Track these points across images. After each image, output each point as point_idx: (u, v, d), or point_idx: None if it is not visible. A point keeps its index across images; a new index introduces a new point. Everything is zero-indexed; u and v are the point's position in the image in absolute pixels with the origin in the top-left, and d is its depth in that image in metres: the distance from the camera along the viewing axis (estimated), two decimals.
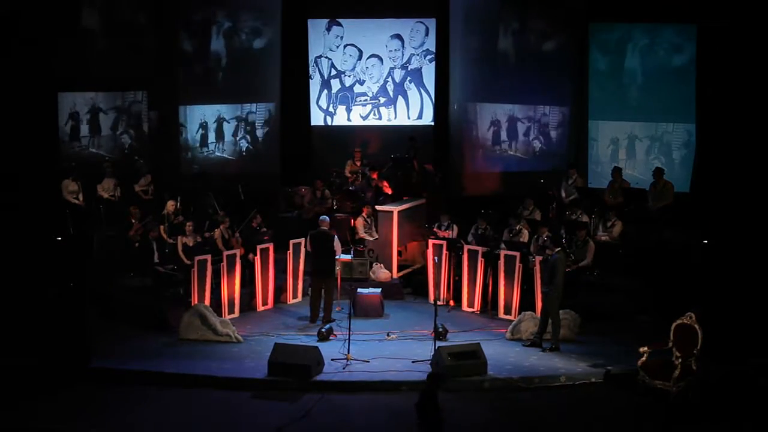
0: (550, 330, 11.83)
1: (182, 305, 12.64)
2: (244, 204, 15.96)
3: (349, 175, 17.24)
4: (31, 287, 11.23)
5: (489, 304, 13.55)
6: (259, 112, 18.69)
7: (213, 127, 18.32)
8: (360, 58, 18.99)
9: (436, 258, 13.68)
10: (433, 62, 18.87)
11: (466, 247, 13.88)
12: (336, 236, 13.19)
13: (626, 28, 17.64)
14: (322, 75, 19.12)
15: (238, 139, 18.56)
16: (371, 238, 14.99)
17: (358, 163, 17.29)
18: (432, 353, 10.98)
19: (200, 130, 18.18)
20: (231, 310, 13.14)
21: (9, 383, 10.37)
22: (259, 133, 18.74)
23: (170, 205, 15.00)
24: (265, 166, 18.51)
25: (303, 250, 13.92)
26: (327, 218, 13.40)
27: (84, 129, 16.99)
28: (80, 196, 15.29)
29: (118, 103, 17.36)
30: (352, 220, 15.45)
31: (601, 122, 18.05)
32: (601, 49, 17.88)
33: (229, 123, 18.46)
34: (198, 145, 18.21)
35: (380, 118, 19.17)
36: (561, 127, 18.28)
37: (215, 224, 14.40)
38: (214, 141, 18.35)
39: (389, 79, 19.03)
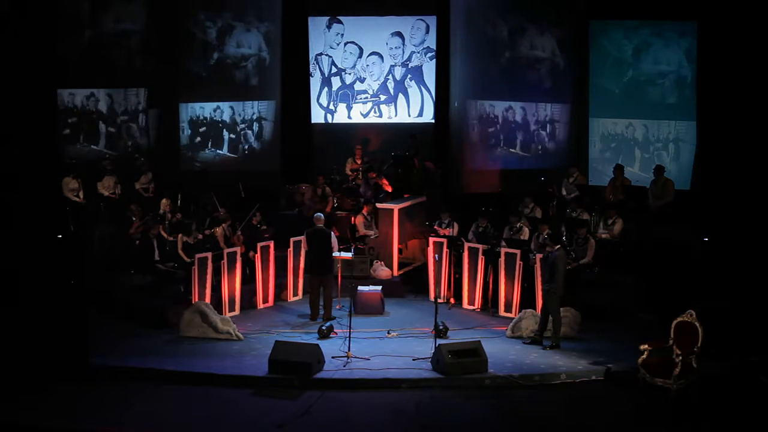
0: (550, 327, 11.83)
1: (183, 303, 12.65)
2: (244, 202, 15.97)
3: (349, 172, 17.26)
4: (31, 284, 11.20)
5: (489, 302, 13.55)
6: (259, 109, 18.68)
7: (213, 124, 18.32)
8: (360, 55, 18.97)
9: (436, 256, 13.67)
10: (434, 60, 18.85)
11: (466, 245, 13.88)
12: (332, 233, 13.20)
13: (627, 25, 17.64)
14: (322, 72, 19.09)
15: (238, 136, 18.55)
16: (372, 236, 14.99)
17: (359, 161, 17.30)
18: (432, 351, 10.98)
19: (201, 127, 18.18)
20: (231, 308, 13.16)
21: (9, 380, 10.35)
22: (260, 130, 18.73)
23: (164, 204, 14.99)
24: (265, 164, 18.51)
25: (303, 247, 13.91)
26: (322, 215, 13.40)
27: (84, 126, 16.96)
28: (81, 194, 15.28)
29: (119, 100, 17.34)
30: (353, 218, 15.44)
31: (602, 120, 18.06)
32: (601, 46, 17.87)
33: (229, 121, 18.45)
34: (198, 142, 18.21)
35: (381, 116, 19.15)
36: (562, 124, 18.28)
37: (216, 222, 14.40)
38: (215, 139, 18.35)
39: (390, 76, 19.01)
